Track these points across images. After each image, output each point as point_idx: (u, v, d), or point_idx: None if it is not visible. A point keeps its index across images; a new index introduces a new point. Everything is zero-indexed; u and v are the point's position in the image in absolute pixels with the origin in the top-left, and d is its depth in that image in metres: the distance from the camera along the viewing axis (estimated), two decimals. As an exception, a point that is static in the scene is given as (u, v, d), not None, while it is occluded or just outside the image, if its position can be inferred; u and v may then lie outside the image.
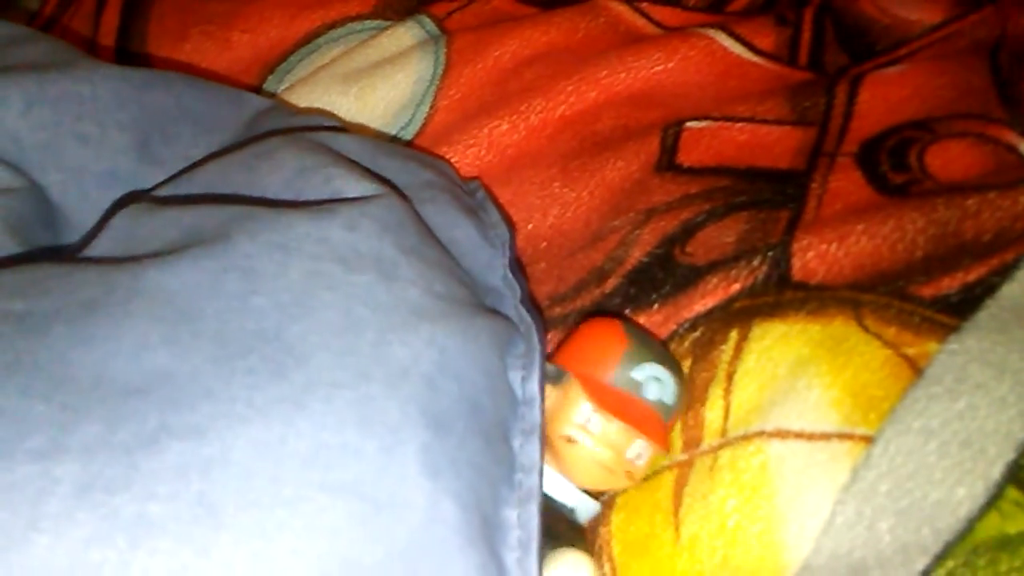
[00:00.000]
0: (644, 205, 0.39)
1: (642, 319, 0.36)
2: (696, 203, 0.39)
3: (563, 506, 0.31)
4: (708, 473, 0.31)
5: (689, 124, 0.42)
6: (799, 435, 0.30)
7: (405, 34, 0.50)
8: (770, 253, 0.35)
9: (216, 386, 0.24)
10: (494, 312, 0.31)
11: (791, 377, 0.31)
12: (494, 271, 0.34)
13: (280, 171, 0.32)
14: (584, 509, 0.32)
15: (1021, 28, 0.44)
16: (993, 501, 0.27)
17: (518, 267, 0.35)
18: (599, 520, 0.32)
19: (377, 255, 0.29)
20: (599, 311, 0.36)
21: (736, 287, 0.35)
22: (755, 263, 0.35)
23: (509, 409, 0.29)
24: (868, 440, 0.29)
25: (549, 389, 0.31)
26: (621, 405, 0.31)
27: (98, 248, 0.30)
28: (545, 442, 0.30)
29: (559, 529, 0.31)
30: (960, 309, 0.31)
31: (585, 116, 0.44)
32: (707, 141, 0.41)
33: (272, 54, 0.52)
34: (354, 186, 0.31)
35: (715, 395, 0.32)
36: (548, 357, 0.33)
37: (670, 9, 0.51)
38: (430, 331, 0.27)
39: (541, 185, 0.42)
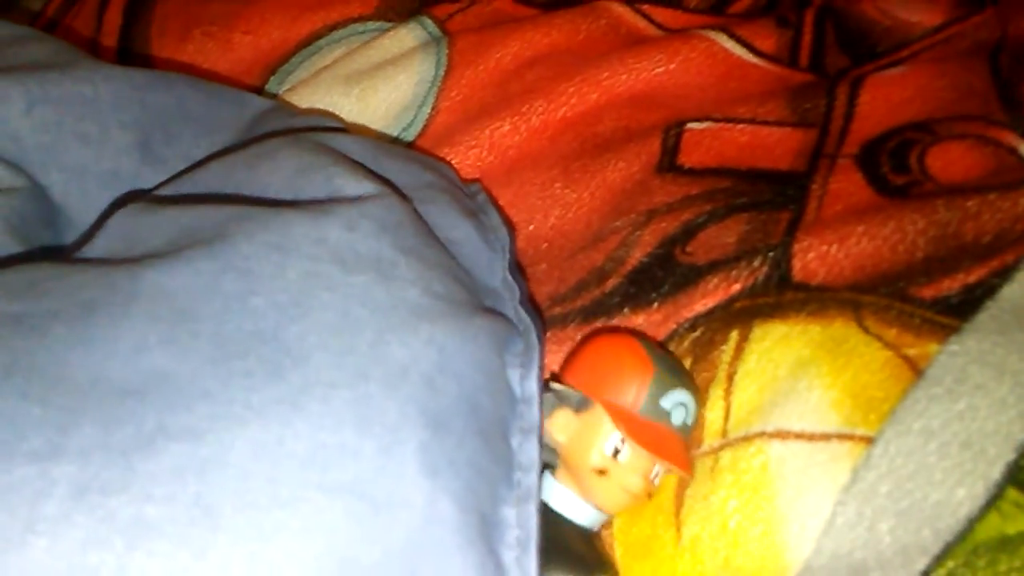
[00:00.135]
0: (645, 206, 0.39)
1: (641, 318, 0.36)
2: (697, 204, 0.39)
3: (582, 527, 0.31)
4: (709, 474, 0.31)
5: (690, 125, 0.42)
6: (799, 436, 0.30)
7: (407, 36, 0.50)
8: (771, 254, 0.35)
9: (214, 387, 0.24)
10: (493, 312, 0.31)
11: (792, 378, 0.31)
12: (494, 273, 0.34)
13: (281, 170, 0.32)
14: (597, 522, 0.32)
15: (1021, 30, 0.44)
16: (993, 502, 0.27)
17: (518, 269, 0.35)
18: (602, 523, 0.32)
19: (376, 255, 0.29)
20: (608, 327, 0.36)
21: (736, 287, 0.35)
22: (756, 264, 0.35)
23: (508, 408, 0.29)
24: (868, 441, 0.29)
25: (570, 415, 0.31)
26: (650, 435, 0.30)
27: (96, 247, 0.30)
28: (569, 469, 0.30)
29: (579, 549, 0.31)
30: (960, 310, 0.31)
31: (586, 117, 0.44)
32: (708, 142, 0.42)
33: (274, 55, 0.52)
34: (355, 185, 0.31)
35: (715, 395, 0.32)
36: (558, 375, 0.33)
37: (671, 11, 0.51)
38: (429, 331, 0.27)
39: (542, 186, 0.42)
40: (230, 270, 0.27)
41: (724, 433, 0.32)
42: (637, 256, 0.37)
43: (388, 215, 0.30)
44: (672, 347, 0.34)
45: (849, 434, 0.29)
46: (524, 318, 0.32)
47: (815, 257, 0.34)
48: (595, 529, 0.32)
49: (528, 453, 0.28)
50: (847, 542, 0.28)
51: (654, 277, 0.36)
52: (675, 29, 0.49)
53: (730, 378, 0.33)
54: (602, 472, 0.30)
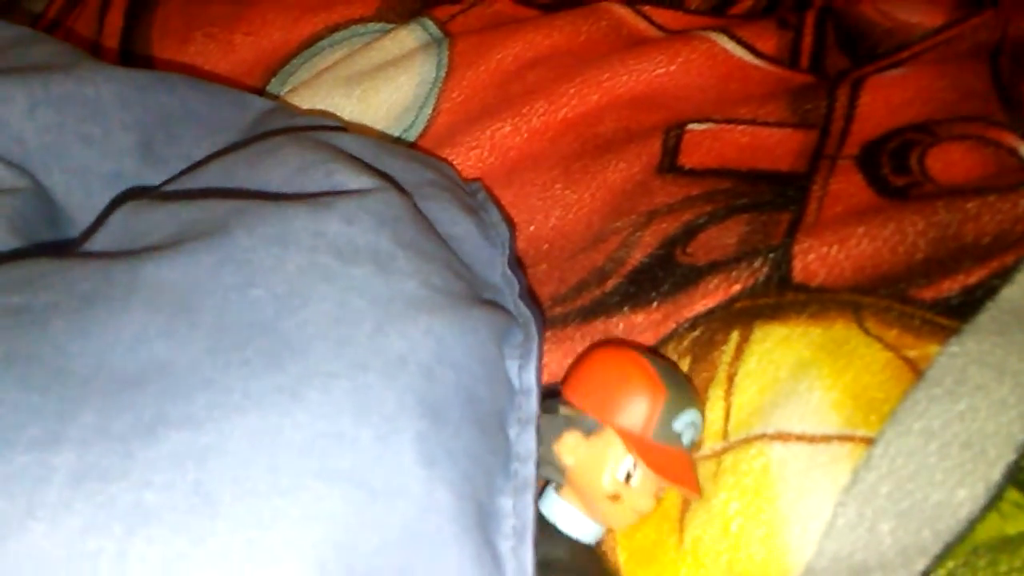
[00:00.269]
0: (645, 207, 0.39)
1: (641, 317, 0.36)
2: (697, 205, 0.39)
3: (585, 544, 0.31)
4: (711, 477, 0.31)
5: (691, 126, 0.42)
6: (800, 437, 0.30)
7: (408, 37, 0.50)
8: (771, 255, 0.35)
9: (213, 376, 0.24)
10: (492, 304, 0.31)
11: (792, 380, 0.31)
12: (494, 268, 0.34)
13: (283, 167, 0.32)
14: (599, 536, 0.32)
15: (1021, 31, 0.44)
16: (993, 502, 0.27)
17: (518, 265, 0.35)
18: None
19: (374, 248, 0.29)
20: (611, 339, 0.36)
21: (737, 288, 0.35)
22: (756, 264, 0.35)
23: (506, 398, 0.29)
24: (869, 442, 0.29)
25: (580, 439, 0.30)
26: (663, 460, 0.30)
27: (97, 243, 0.30)
28: (578, 491, 0.30)
29: (584, 566, 0.31)
30: (960, 312, 0.31)
31: (587, 118, 0.44)
32: (709, 143, 0.42)
33: (275, 57, 0.52)
34: (355, 181, 0.32)
35: (716, 396, 0.32)
36: (562, 392, 0.32)
37: (672, 12, 0.51)
38: (427, 321, 0.27)
39: (543, 187, 0.42)
40: (229, 262, 0.27)
41: (725, 434, 0.32)
42: (637, 257, 0.38)
43: (387, 209, 0.30)
44: (672, 346, 0.34)
45: (850, 435, 0.29)
46: (524, 311, 0.32)
47: (815, 258, 0.35)
48: (596, 541, 0.32)
49: (526, 444, 0.28)
50: (848, 543, 0.28)
51: (654, 277, 0.37)
52: (676, 30, 0.50)
53: (730, 379, 0.33)
54: (615, 498, 0.30)
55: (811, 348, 0.32)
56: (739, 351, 0.33)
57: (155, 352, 0.25)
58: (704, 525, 0.30)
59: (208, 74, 0.51)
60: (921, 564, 0.27)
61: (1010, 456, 0.28)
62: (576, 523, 0.31)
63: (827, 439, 0.30)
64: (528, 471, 0.28)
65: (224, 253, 0.27)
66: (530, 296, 0.34)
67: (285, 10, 0.53)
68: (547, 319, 0.37)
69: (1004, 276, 0.32)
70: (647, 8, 0.51)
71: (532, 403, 0.29)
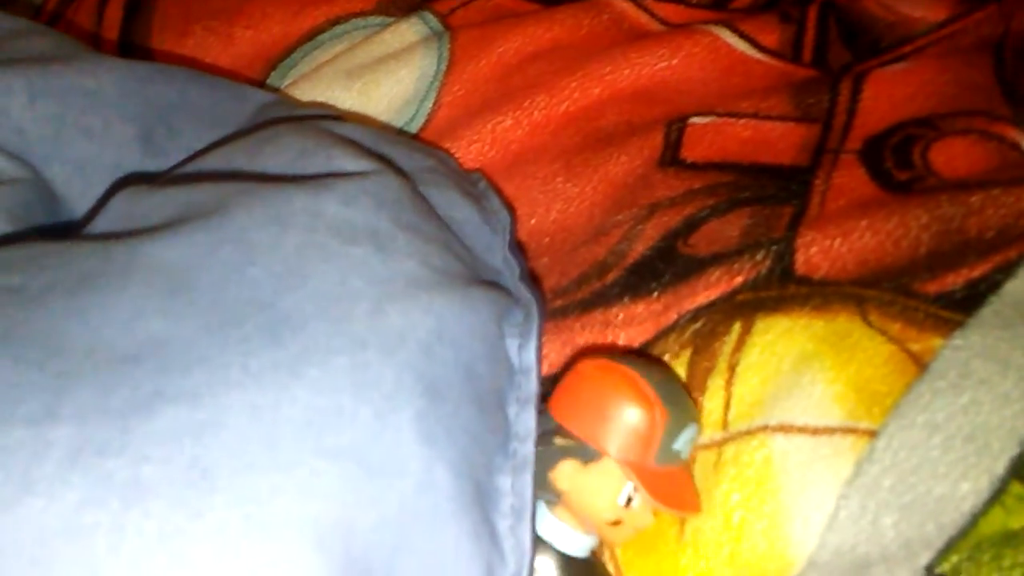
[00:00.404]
0: (647, 200, 0.39)
1: (641, 307, 0.36)
2: (699, 198, 0.39)
3: (579, 559, 0.31)
4: (712, 468, 0.31)
5: (693, 120, 0.42)
6: (803, 430, 0.30)
7: (408, 30, 0.50)
8: (774, 247, 0.35)
9: (210, 353, 0.24)
10: (492, 283, 0.31)
11: (795, 372, 0.31)
12: (494, 252, 0.34)
13: (282, 154, 0.32)
14: (592, 548, 0.31)
15: (1025, 26, 0.44)
16: (997, 496, 0.27)
17: (518, 250, 0.35)
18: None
19: (373, 228, 0.29)
20: (602, 350, 0.35)
21: (739, 280, 0.35)
22: (759, 257, 0.35)
23: (506, 377, 0.29)
24: (872, 434, 0.29)
25: (578, 467, 0.29)
26: (666, 485, 0.29)
27: (96, 228, 0.30)
28: (576, 516, 0.30)
29: None
30: (964, 305, 0.31)
31: (589, 112, 0.44)
32: (711, 137, 0.41)
33: (275, 50, 0.52)
34: (356, 165, 0.31)
35: (715, 385, 0.32)
36: (553, 414, 0.31)
37: (674, 6, 0.51)
38: (427, 300, 0.27)
39: (544, 180, 0.42)
40: (228, 241, 0.27)
41: (724, 424, 0.32)
42: (639, 249, 0.37)
43: (386, 191, 0.30)
44: (673, 337, 0.34)
45: (853, 428, 0.29)
46: (524, 292, 0.32)
47: (818, 251, 0.34)
48: (591, 554, 0.31)
49: (525, 423, 0.28)
50: (850, 536, 0.28)
51: (655, 268, 0.36)
52: (678, 24, 0.49)
53: (731, 369, 0.32)
54: (616, 523, 0.30)
55: (814, 340, 0.31)
56: (741, 342, 0.33)
57: (153, 329, 0.25)
58: (705, 516, 0.30)
59: (208, 67, 0.51)
60: (924, 558, 0.27)
61: (1014, 450, 0.28)
62: (569, 540, 0.30)
63: (830, 431, 0.30)
64: (527, 450, 0.28)
65: (222, 232, 0.27)
66: (531, 280, 0.34)
67: (285, 3, 0.53)
68: (548, 311, 0.37)
69: (1008, 270, 0.32)
70: (649, 2, 0.51)
71: (532, 382, 0.29)
